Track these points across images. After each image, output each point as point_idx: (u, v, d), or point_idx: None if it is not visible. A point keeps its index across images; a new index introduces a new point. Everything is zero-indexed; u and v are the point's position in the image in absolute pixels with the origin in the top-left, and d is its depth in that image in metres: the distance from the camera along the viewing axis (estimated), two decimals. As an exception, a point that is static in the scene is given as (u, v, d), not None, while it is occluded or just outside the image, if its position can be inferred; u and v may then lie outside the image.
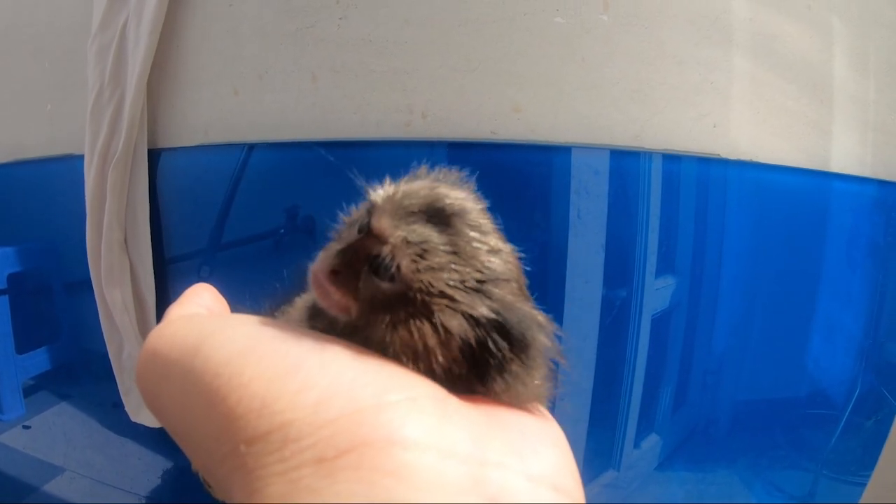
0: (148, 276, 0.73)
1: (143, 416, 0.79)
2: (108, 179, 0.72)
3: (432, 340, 0.17)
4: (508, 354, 0.18)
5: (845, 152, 0.66)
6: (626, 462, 0.79)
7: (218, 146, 0.68)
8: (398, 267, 0.18)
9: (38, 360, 1.00)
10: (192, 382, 0.16)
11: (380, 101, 0.60)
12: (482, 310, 0.18)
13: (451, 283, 0.18)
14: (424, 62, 0.59)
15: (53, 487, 1.02)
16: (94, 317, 0.92)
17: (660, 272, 0.66)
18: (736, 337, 0.78)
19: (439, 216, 0.19)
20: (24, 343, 0.99)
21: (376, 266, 0.18)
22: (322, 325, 0.20)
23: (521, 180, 0.60)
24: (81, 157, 0.77)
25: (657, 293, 0.69)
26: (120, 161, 0.71)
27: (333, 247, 0.20)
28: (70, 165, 0.81)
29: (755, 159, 0.62)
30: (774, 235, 0.68)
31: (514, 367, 0.18)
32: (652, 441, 0.80)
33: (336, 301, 0.19)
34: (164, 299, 0.75)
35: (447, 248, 0.18)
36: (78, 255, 0.89)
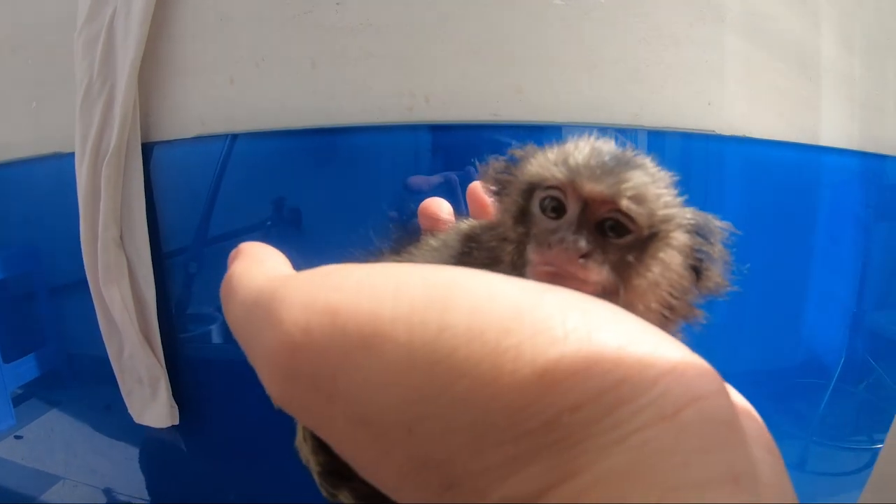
0: (147, 273, 0.72)
1: (147, 416, 0.77)
2: (101, 176, 0.70)
3: (677, 261, 0.19)
4: (713, 248, 0.20)
5: (833, 127, 0.68)
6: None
7: (214, 137, 0.66)
8: (633, 218, 0.19)
9: (26, 369, 0.97)
10: (448, 349, 0.12)
11: (381, 86, 0.60)
12: (690, 219, 0.20)
13: (667, 209, 0.20)
14: (425, 46, 0.59)
15: (51, 496, 1.00)
16: (80, 321, 0.90)
17: None
18: (727, 310, 0.79)
19: (621, 162, 0.20)
20: (10, 352, 0.96)
21: (612, 227, 0.19)
22: (483, 256, 0.21)
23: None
24: (69, 156, 0.74)
25: None
26: (113, 156, 0.69)
27: (542, 237, 0.19)
28: (57, 165, 0.79)
29: (748, 135, 0.64)
30: (767, 208, 0.69)
31: (717, 255, 0.20)
32: None
33: (598, 281, 0.19)
34: (164, 296, 0.73)
35: (651, 182, 0.20)
36: (63, 258, 0.87)
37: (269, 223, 0.72)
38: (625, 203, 0.19)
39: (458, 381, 0.12)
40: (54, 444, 0.98)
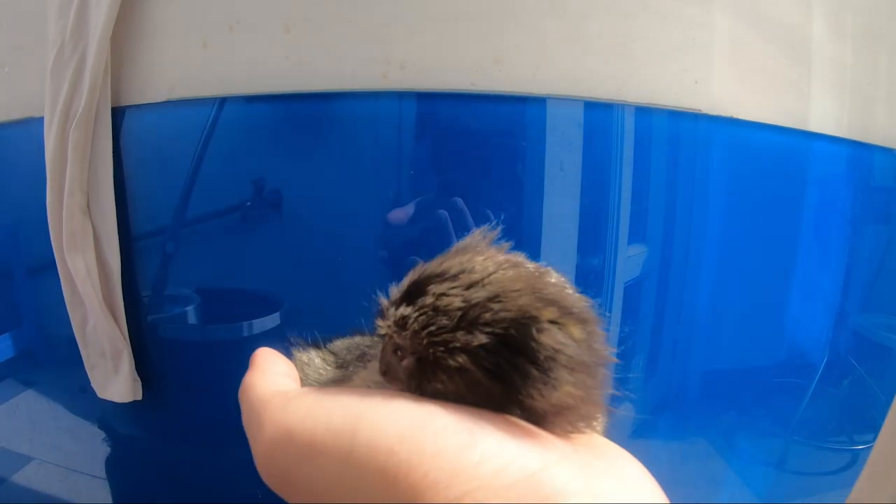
0: (112, 242, 0.69)
1: (110, 391, 0.75)
2: (69, 141, 0.68)
3: (460, 384, 0.20)
4: (520, 364, 0.19)
5: (823, 114, 0.67)
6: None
7: (185, 102, 0.64)
8: (398, 346, 0.21)
9: (1, 348, 0.95)
10: (355, 462, 0.17)
11: (356, 53, 0.58)
12: (475, 337, 0.19)
13: (436, 332, 0.20)
14: (402, 12, 0.57)
15: (21, 478, 0.98)
16: (56, 300, 0.88)
17: (634, 234, 0.66)
18: (708, 305, 0.78)
19: (414, 291, 0.21)
20: None
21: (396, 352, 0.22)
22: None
23: (499, 131, 0.59)
24: (41, 120, 0.73)
25: (630, 259, 0.69)
26: (81, 120, 0.67)
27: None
28: (29, 130, 0.77)
29: (736, 116, 0.62)
30: (752, 194, 0.68)
31: (535, 375, 0.19)
32: (625, 409, 0.80)
33: (397, 388, 0.22)
34: (130, 267, 0.71)
35: (421, 309, 0.21)
36: (39, 235, 0.84)
37: (248, 203, 0.71)
38: (386, 337, 0.23)
39: (363, 484, 0.17)
40: (27, 425, 0.96)
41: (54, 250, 0.72)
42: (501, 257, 0.22)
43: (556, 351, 0.19)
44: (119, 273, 0.70)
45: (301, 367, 0.29)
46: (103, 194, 0.69)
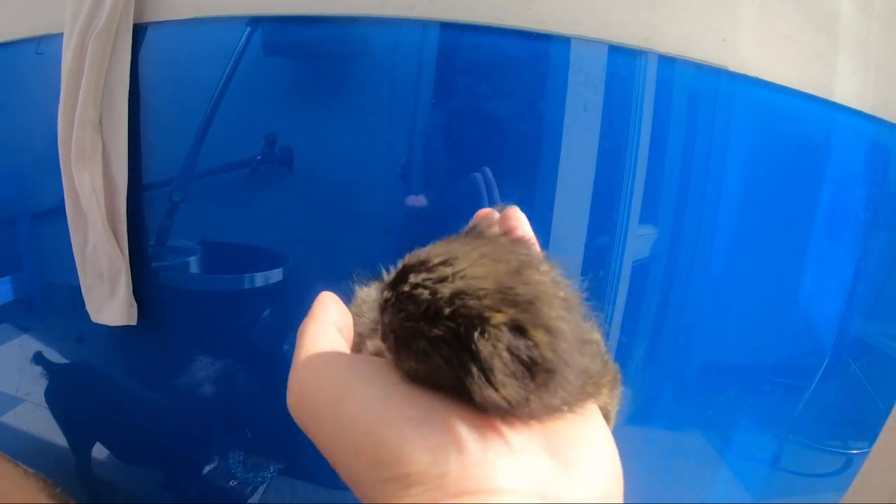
0: (121, 159, 0.68)
1: (105, 314, 0.74)
2: (87, 54, 0.67)
3: (428, 365, 0.21)
4: (465, 361, 0.20)
5: (847, 87, 0.67)
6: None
7: (211, 20, 0.64)
8: (385, 322, 0.24)
9: (0, 291, 0.94)
10: (341, 429, 0.22)
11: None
12: (434, 329, 0.21)
13: (405, 317, 0.22)
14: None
15: (11, 418, 0.96)
16: (58, 249, 0.87)
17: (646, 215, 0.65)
18: (714, 296, 0.77)
19: (398, 277, 0.23)
20: None
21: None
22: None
23: (523, 68, 0.59)
24: (59, 36, 0.72)
25: (641, 238, 0.69)
26: (102, 33, 0.66)
27: None
28: (46, 47, 0.77)
29: (761, 77, 0.62)
30: (771, 162, 0.67)
31: (475, 374, 0.20)
32: (624, 393, 0.79)
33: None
34: (137, 184, 0.70)
35: (399, 295, 0.22)
36: (46, 181, 0.84)
37: (259, 158, 0.70)
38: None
39: (347, 448, 0.21)
40: (19, 368, 0.95)
41: (61, 166, 0.71)
42: (490, 248, 0.23)
43: (495, 354, 0.19)
44: (125, 191, 0.69)
45: (359, 305, 0.32)
46: (117, 111, 0.68)
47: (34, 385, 0.93)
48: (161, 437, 0.86)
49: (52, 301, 0.91)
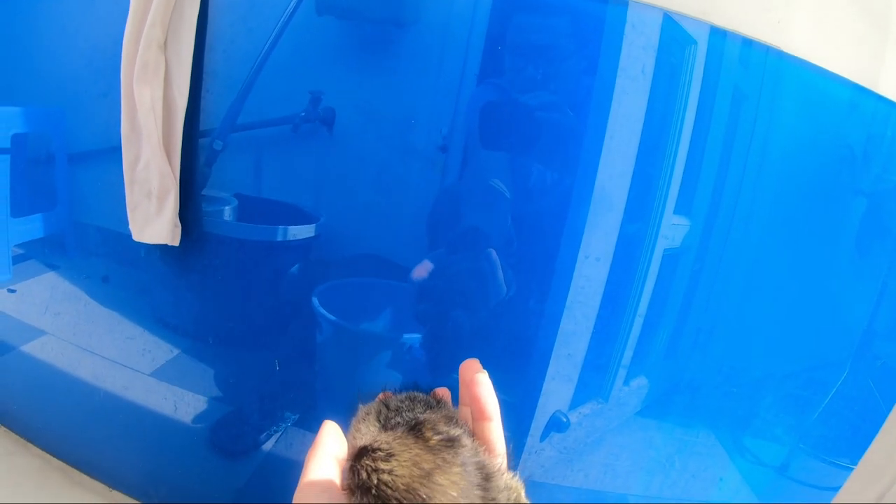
0: (183, 79, 0.68)
1: (148, 233, 0.75)
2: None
3: None
4: None
5: (893, 82, 0.64)
6: (613, 396, 0.78)
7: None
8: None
9: (31, 227, 0.97)
10: None
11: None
12: (364, 498, 0.30)
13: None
14: None
15: (32, 348, 1.00)
16: (93, 191, 0.88)
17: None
18: (737, 298, 0.76)
19: (358, 455, 0.31)
20: (18, 207, 0.96)
21: None
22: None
23: (576, 31, 0.58)
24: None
25: (674, 228, 0.68)
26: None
27: None
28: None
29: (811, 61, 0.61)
30: (814, 150, 0.66)
31: None
32: (641, 382, 0.79)
33: None
34: (196, 105, 0.71)
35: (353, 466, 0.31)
36: (86, 124, 0.85)
37: (302, 114, 0.70)
38: None
39: None
40: (45, 303, 0.98)
41: (122, 81, 0.71)
42: (418, 452, 0.31)
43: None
44: (183, 112, 0.69)
45: (356, 424, 0.39)
46: (184, 32, 0.68)
47: (58, 320, 0.96)
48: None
49: (81, 240, 0.94)
